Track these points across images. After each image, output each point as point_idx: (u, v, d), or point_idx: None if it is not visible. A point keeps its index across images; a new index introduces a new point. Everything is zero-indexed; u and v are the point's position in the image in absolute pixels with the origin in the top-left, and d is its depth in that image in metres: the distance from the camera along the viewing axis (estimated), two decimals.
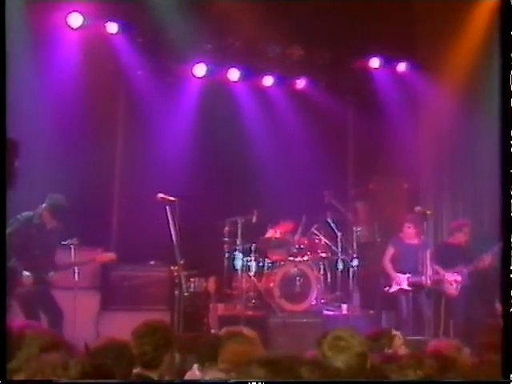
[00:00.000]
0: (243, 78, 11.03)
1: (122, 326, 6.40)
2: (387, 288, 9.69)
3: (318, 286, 9.90)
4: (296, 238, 10.31)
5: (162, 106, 10.43)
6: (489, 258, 9.05)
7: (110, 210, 10.45)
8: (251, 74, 11.11)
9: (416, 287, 9.45)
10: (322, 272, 10.28)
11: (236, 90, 11.16)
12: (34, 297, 7.81)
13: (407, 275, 9.56)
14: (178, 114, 10.61)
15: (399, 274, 9.62)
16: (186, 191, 8.98)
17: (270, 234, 10.47)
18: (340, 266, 10.35)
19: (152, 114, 10.37)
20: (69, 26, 9.32)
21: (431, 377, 3.57)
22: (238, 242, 9.85)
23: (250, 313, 9.45)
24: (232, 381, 3.41)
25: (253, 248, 9.93)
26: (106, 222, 10.31)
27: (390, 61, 11.30)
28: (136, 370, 4.27)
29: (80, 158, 9.55)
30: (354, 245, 10.49)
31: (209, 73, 10.68)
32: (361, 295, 10.44)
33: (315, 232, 10.44)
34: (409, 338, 8.52)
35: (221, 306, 9.64)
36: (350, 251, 10.46)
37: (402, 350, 5.14)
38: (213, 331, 8.62)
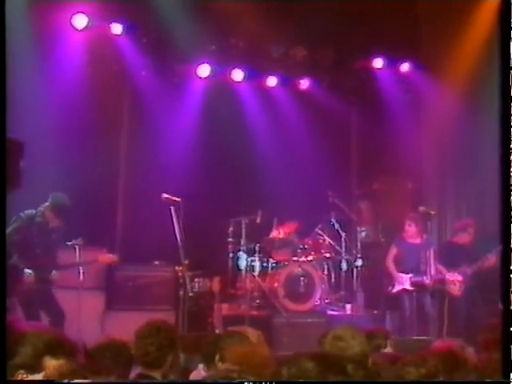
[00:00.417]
0: (247, 78, 11.04)
1: (127, 325, 6.41)
2: (390, 288, 9.70)
3: (322, 286, 9.90)
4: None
5: (166, 106, 10.45)
6: (493, 258, 9.05)
7: (114, 210, 10.47)
8: (255, 74, 11.12)
9: (418, 287, 9.46)
10: (326, 272, 10.28)
11: (240, 90, 11.17)
12: (35, 296, 7.79)
13: (409, 275, 9.56)
14: (182, 115, 10.63)
15: (401, 274, 9.63)
16: (191, 191, 9.00)
17: (274, 234, 10.49)
18: (344, 266, 10.37)
19: (156, 114, 10.38)
20: (73, 27, 9.34)
21: (434, 376, 3.58)
22: (242, 242, 9.87)
23: (254, 313, 9.47)
24: (234, 381, 3.42)
25: (257, 248, 9.95)
26: (111, 222, 10.33)
27: (393, 61, 11.30)
28: (139, 370, 4.29)
29: (85, 157, 9.57)
30: (358, 245, 10.51)
31: (213, 73, 10.70)
32: (365, 295, 10.44)
33: (319, 232, 10.45)
34: (413, 337, 8.61)
35: (225, 306, 9.65)
36: (354, 251, 10.48)
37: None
38: (217, 331, 8.64)
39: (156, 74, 10.28)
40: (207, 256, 9.75)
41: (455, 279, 9.43)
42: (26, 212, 7.93)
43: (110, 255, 8.60)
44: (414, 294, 9.55)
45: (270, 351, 5.04)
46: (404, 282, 9.57)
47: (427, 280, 9.38)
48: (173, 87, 10.55)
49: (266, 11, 9.76)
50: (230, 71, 10.92)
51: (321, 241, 10.42)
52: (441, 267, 9.51)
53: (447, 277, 9.45)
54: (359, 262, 10.33)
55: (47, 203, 8.03)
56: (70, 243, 8.19)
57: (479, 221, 10.10)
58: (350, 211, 10.91)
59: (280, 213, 10.40)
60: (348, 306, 10.13)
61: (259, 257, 9.95)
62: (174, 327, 7.13)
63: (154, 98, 10.31)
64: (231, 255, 9.98)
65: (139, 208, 10.01)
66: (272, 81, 11.31)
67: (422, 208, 9.79)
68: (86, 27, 9.39)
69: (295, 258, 10.05)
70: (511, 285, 4.23)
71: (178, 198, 8.23)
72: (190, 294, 8.34)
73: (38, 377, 3.30)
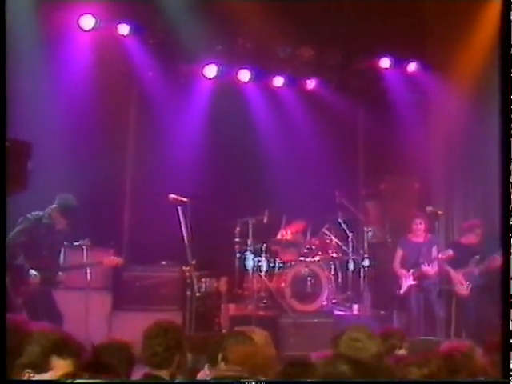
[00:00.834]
0: (254, 78, 11.04)
1: (134, 326, 6.43)
2: (398, 291, 9.71)
3: (329, 286, 9.90)
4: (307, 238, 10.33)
5: (173, 106, 10.47)
6: (501, 258, 9.01)
7: (121, 210, 10.50)
8: (262, 74, 11.12)
9: (422, 278, 9.48)
10: (333, 272, 10.28)
11: (247, 90, 11.18)
12: (39, 296, 7.80)
13: (411, 271, 9.59)
14: (189, 115, 10.64)
15: (405, 272, 9.66)
16: (198, 192, 9.02)
17: (281, 234, 10.49)
18: (351, 266, 10.36)
19: (163, 114, 10.40)
20: (81, 28, 9.37)
21: (436, 376, 3.57)
22: (249, 243, 9.88)
23: (261, 313, 9.48)
24: (237, 380, 3.44)
25: (264, 248, 9.95)
26: (118, 222, 10.35)
27: (400, 61, 11.27)
28: (146, 370, 4.30)
29: (92, 158, 9.60)
30: (365, 245, 10.50)
31: (219, 74, 10.70)
32: (372, 295, 10.42)
33: (326, 232, 10.45)
34: (421, 338, 8.58)
35: (232, 306, 9.66)
36: (361, 251, 10.47)
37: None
38: (224, 331, 8.64)
39: (163, 75, 10.30)
40: (214, 256, 9.76)
41: (459, 280, 9.42)
42: (33, 213, 7.93)
43: (115, 258, 8.59)
44: (421, 293, 9.57)
45: (277, 351, 5.05)
46: (408, 278, 9.61)
47: (425, 267, 9.42)
48: (179, 88, 10.56)
49: (272, 11, 9.76)
50: (237, 71, 10.93)
51: (328, 241, 10.41)
52: (448, 267, 9.50)
53: (452, 276, 9.45)
54: (366, 262, 10.32)
55: (54, 205, 8.03)
56: (77, 244, 8.22)
57: (487, 221, 10.08)
58: (357, 211, 10.91)
59: (287, 213, 10.40)
60: (355, 306, 10.13)
61: (266, 257, 9.95)
62: (181, 328, 7.15)
63: (160, 99, 10.33)
64: (238, 255, 9.99)
65: (146, 208, 10.03)
66: (279, 81, 11.31)
67: (429, 208, 9.77)
68: (93, 28, 9.41)
69: (302, 258, 10.05)
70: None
71: (185, 198, 8.24)
72: (197, 294, 8.36)
73: (46, 376, 3.30)
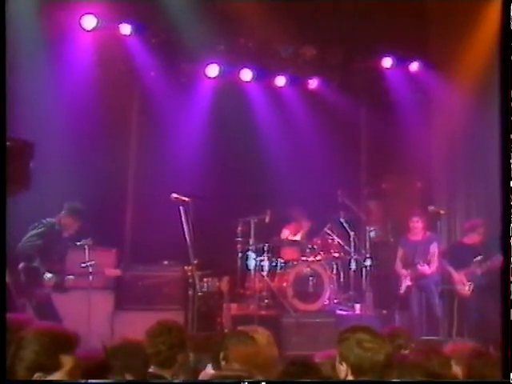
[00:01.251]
0: (256, 78, 11.04)
1: (137, 325, 6.43)
2: (399, 290, 9.73)
3: (331, 285, 9.91)
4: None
5: (176, 106, 10.47)
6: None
7: (123, 209, 10.50)
8: (264, 74, 11.11)
9: (419, 278, 9.49)
10: (334, 272, 10.28)
11: (249, 90, 11.18)
12: (50, 299, 7.95)
13: (408, 271, 9.62)
14: (191, 115, 10.65)
15: (404, 272, 9.68)
16: (200, 191, 9.01)
17: (283, 233, 10.49)
18: (353, 265, 10.35)
19: (165, 114, 10.40)
20: (83, 28, 9.37)
21: (439, 376, 3.57)
22: (251, 242, 9.88)
23: (263, 312, 9.47)
24: (239, 380, 3.44)
25: (266, 248, 9.95)
26: (120, 221, 10.36)
27: (402, 60, 11.27)
28: (150, 370, 4.30)
29: (94, 158, 9.60)
30: (367, 244, 10.49)
31: (221, 73, 10.70)
32: (374, 295, 10.43)
33: (328, 232, 10.45)
34: (423, 338, 8.58)
35: (234, 306, 9.66)
36: (363, 251, 10.47)
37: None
38: (226, 331, 8.65)
39: (165, 74, 10.30)
40: (216, 256, 9.76)
41: (460, 279, 9.42)
42: (47, 219, 8.16)
43: (116, 270, 8.85)
44: (421, 293, 9.58)
45: (279, 351, 5.05)
46: (406, 279, 9.63)
47: (428, 270, 9.43)
48: (181, 87, 10.57)
49: (274, 11, 9.76)
50: (239, 71, 10.93)
51: (330, 240, 10.41)
52: (449, 268, 9.49)
53: (453, 276, 9.44)
54: (368, 262, 10.32)
55: (63, 211, 8.22)
56: (79, 243, 8.25)
57: (489, 221, 10.07)
58: (359, 211, 10.91)
59: (289, 212, 10.40)
60: (357, 306, 10.12)
61: (268, 256, 9.95)
62: (185, 327, 7.17)
63: (162, 98, 10.32)
64: (240, 255, 9.99)
65: (148, 208, 10.03)
66: (281, 80, 11.31)
67: (431, 207, 9.77)
68: (95, 28, 9.41)
69: (304, 258, 10.05)
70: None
71: (187, 197, 8.24)
72: (199, 294, 8.36)
73: (56, 375, 3.30)
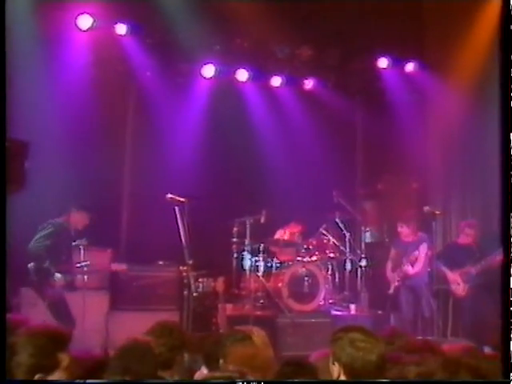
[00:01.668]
0: (252, 78, 11.04)
1: (132, 325, 6.44)
2: (389, 290, 9.77)
3: (326, 286, 9.91)
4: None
5: (171, 106, 10.46)
6: (498, 258, 9.00)
7: (119, 209, 10.49)
8: (260, 74, 11.11)
9: (404, 279, 9.52)
10: (330, 272, 10.29)
11: (244, 90, 11.18)
12: (62, 299, 8.00)
13: (396, 271, 9.65)
14: (187, 115, 10.64)
15: (392, 274, 9.71)
16: (195, 192, 9.01)
17: (278, 234, 10.49)
18: (348, 266, 10.37)
19: (161, 114, 10.39)
20: (78, 28, 9.35)
21: (434, 375, 3.57)
22: (246, 242, 9.88)
23: (258, 313, 9.47)
24: (235, 380, 3.44)
25: (261, 248, 9.95)
26: (116, 222, 10.35)
27: (398, 61, 11.28)
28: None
29: (89, 158, 9.59)
30: (363, 245, 10.50)
31: (217, 73, 10.70)
32: (369, 295, 10.43)
33: (323, 232, 10.45)
34: (417, 338, 8.58)
35: (229, 306, 9.66)
36: (359, 251, 10.47)
37: None
38: (221, 331, 8.64)
39: (161, 75, 10.29)
40: (212, 256, 9.75)
41: (455, 280, 9.42)
42: (56, 220, 8.19)
43: (122, 264, 8.84)
44: (410, 293, 9.60)
45: (274, 351, 5.04)
46: (395, 280, 9.66)
47: (411, 271, 9.44)
48: (177, 87, 10.56)
49: (270, 11, 9.75)
50: (235, 71, 10.93)
51: (325, 241, 10.42)
52: (444, 268, 9.50)
53: (448, 277, 9.45)
54: (363, 262, 10.33)
55: (73, 209, 8.28)
56: (74, 243, 8.24)
57: (484, 221, 10.08)
58: (355, 211, 10.91)
59: (284, 213, 10.40)
60: (352, 306, 10.13)
61: (263, 257, 9.95)
62: (183, 328, 7.18)
63: (158, 98, 10.32)
64: (236, 255, 9.99)
65: (144, 208, 10.03)
66: (277, 81, 11.31)
67: (426, 208, 9.77)
68: (90, 28, 9.40)
69: (299, 258, 10.06)
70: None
71: (182, 198, 8.23)
72: (195, 294, 8.35)
73: (56, 374, 3.30)
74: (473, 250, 9.48)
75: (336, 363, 3.75)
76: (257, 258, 9.93)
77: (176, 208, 8.11)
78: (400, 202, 11.45)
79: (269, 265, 10.01)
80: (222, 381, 3.38)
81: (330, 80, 11.42)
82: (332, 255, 10.33)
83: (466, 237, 9.62)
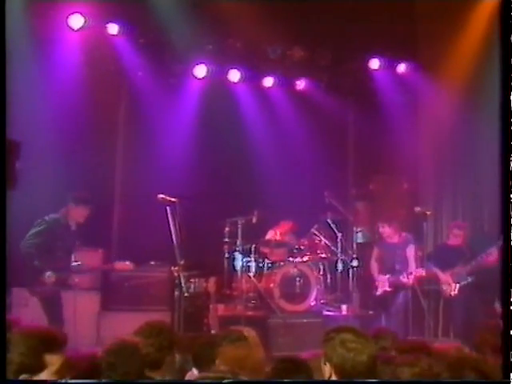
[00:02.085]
0: (244, 79, 11.04)
1: (123, 326, 6.41)
2: (374, 291, 9.76)
3: (318, 286, 9.91)
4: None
5: (163, 106, 10.45)
6: (488, 258, 9.02)
7: (110, 210, 10.46)
8: (252, 75, 11.12)
9: (397, 287, 9.51)
10: (321, 272, 10.29)
11: (237, 90, 11.18)
12: (56, 297, 7.90)
13: (387, 276, 9.63)
14: (179, 115, 10.63)
15: (381, 276, 9.70)
16: (187, 192, 8.99)
17: (270, 234, 10.49)
18: (340, 266, 10.37)
19: (153, 114, 10.38)
20: (70, 28, 9.33)
21: (427, 375, 3.57)
22: (238, 243, 9.86)
23: (250, 313, 9.46)
24: (229, 381, 3.43)
25: (253, 248, 9.94)
26: (107, 222, 10.32)
27: (390, 62, 11.31)
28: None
29: (81, 158, 9.57)
30: (354, 245, 10.50)
31: (209, 74, 10.70)
32: (360, 296, 10.44)
33: (315, 232, 10.45)
34: (409, 338, 8.60)
35: (221, 307, 9.65)
36: (350, 252, 10.47)
37: None
38: (213, 332, 8.63)
39: (153, 74, 10.28)
40: (203, 256, 9.74)
41: (445, 280, 9.43)
42: (50, 215, 8.03)
43: (127, 263, 8.61)
44: (401, 293, 9.60)
45: (266, 352, 5.04)
46: (385, 283, 9.64)
47: (404, 278, 9.44)
48: (169, 87, 10.55)
49: (263, 11, 9.75)
50: (227, 72, 10.93)
51: (317, 241, 10.42)
52: (435, 269, 9.50)
53: (439, 277, 9.46)
54: (355, 263, 10.32)
55: (70, 203, 8.11)
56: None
57: (475, 221, 10.11)
58: (347, 211, 10.91)
59: (276, 213, 10.39)
60: (344, 307, 10.12)
61: (255, 257, 9.94)
62: (173, 329, 7.15)
63: (150, 99, 10.31)
64: (227, 256, 9.97)
65: (135, 208, 10.01)
66: (269, 81, 11.32)
67: (417, 208, 9.77)
68: (82, 27, 9.38)
69: (291, 259, 10.06)
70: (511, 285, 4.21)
71: (174, 198, 8.21)
72: (186, 295, 8.32)
73: (42, 375, 3.28)
74: (463, 250, 9.49)
75: (327, 363, 3.75)
76: (248, 259, 9.92)
77: (167, 208, 8.08)
78: (392, 203, 11.46)
79: (260, 265, 10.00)
80: (212, 381, 3.38)
81: (322, 81, 11.44)
82: (323, 256, 10.33)
83: (455, 238, 9.64)
